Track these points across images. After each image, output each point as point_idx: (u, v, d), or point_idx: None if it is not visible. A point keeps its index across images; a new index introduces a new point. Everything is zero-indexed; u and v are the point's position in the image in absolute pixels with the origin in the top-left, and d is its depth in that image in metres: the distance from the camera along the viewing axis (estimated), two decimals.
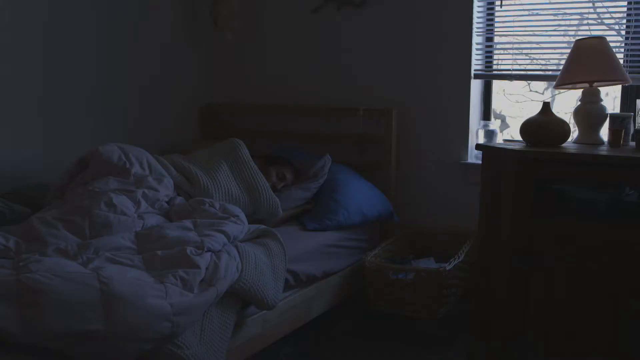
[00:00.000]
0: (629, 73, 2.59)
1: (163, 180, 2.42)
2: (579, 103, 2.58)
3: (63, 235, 1.95)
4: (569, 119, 2.95)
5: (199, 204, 2.31)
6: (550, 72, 2.98)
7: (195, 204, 2.32)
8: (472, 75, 3.06)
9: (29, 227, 1.98)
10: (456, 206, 3.09)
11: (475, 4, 3.01)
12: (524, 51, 3.04)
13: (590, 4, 2.87)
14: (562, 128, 2.35)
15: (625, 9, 2.82)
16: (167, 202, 2.36)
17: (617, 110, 2.87)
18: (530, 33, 2.99)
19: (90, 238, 1.97)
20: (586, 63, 2.48)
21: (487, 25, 3.06)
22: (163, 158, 2.62)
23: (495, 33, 3.07)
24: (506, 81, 3.22)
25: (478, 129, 3.08)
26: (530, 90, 3.74)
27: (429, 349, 2.77)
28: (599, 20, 2.91)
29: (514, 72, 3.03)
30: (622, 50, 2.80)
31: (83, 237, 1.98)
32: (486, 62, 3.09)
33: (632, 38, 2.77)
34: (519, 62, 3.04)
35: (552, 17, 2.95)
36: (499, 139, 3.07)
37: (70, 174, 2.37)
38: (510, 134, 3.44)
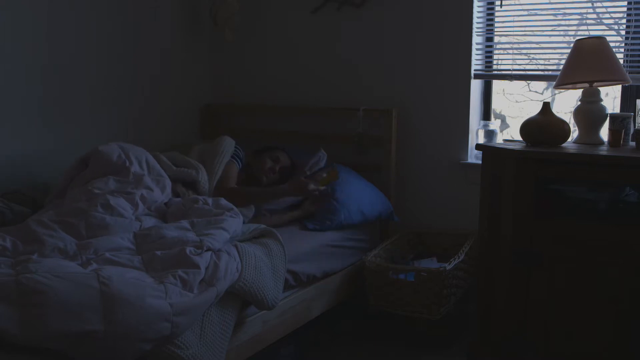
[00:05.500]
0: (629, 73, 2.59)
1: (161, 181, 2.42)
2: (579, 103, 2.58)
3: (61, 236, 1.95)
4: (569, 119, 2.95)
5: (193, 202, 2.31)
6: (550, 72, 2.98)
7: (189, 202, 2.32)
8: (472, 75, 3.06)
9: (26, 228, 1.98)
10: (456, 206, 3.09)
11: (475, 4, 3.01)
12: (524, 51, 3.04)
13: (590, 4, 2.87)
14: (562, 128, 2.35)
15: (624, 9, 2.82)
16: (165, 204, 2.37)
17: (617, 110, 2.87)
18: (530, 33, 2.99)
19: (87, 239, 1.97)
20: (586, 63, 2.48)
21: (487, 25, 3.06)
22: (163, 156, 2.65)
23: (495, 33, 3.07)
24: (506, 81, 3.22)
25: (478, 129, 3.08)
26: (530, 90, 3.73)
27: (429, 349, 2.77)
28: (599, 20, 2.91)
29: (514, 72, 3.03)
30: (622, 50, 2.80)
31: (79, 238, 1.97)
32: (486, 62, 3.09)
33: (632, 38, 2.77)
34: (519, 62, 3.04)
35: (551, 17, 2.94)
36: (499, 139, 3.07)
37: (71, 174, 2.37)
38: (510, 134, 3.44)
